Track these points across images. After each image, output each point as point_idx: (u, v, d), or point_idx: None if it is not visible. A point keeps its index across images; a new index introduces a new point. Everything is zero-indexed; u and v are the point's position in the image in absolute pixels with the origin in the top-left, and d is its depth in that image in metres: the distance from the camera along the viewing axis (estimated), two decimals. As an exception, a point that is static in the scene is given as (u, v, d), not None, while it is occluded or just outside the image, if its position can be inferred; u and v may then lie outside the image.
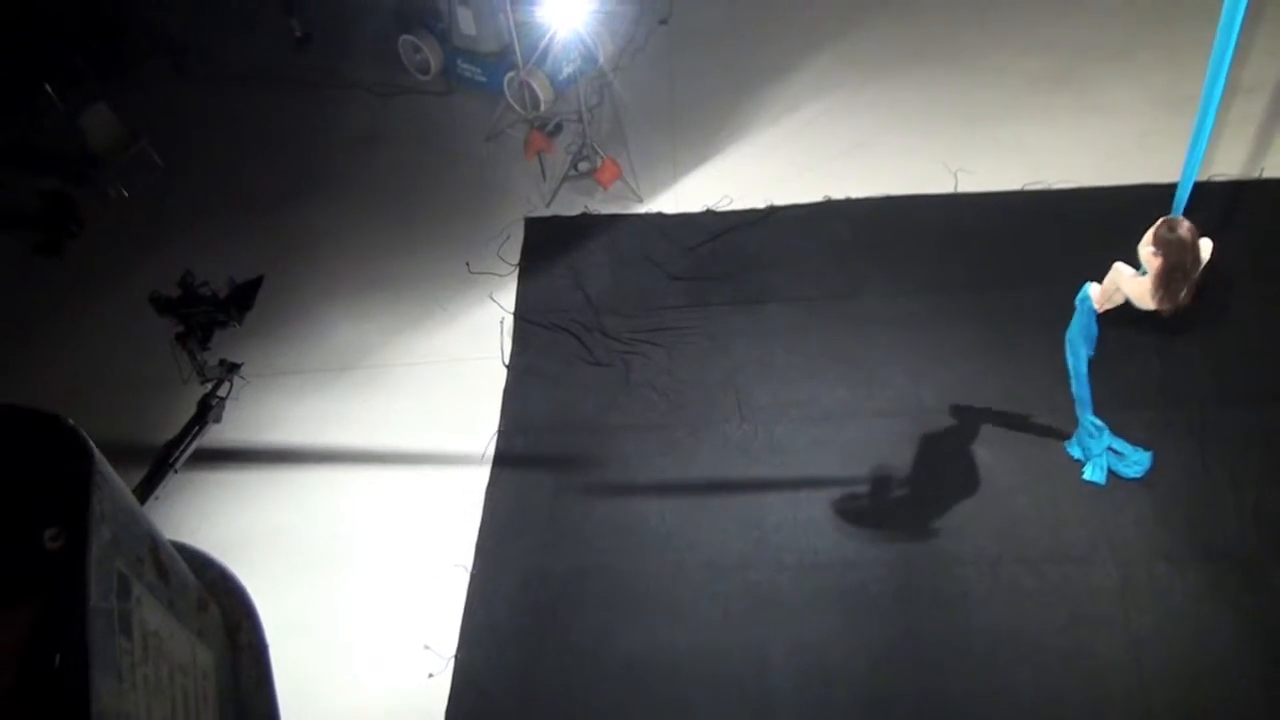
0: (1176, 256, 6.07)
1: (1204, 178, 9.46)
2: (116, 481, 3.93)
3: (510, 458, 8.58)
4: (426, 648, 7.56)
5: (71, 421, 3.74)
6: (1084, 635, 7.02)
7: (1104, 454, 7.73)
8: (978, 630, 7.15)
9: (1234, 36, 5.18)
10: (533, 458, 8.56)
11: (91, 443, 3.76)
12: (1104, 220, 9.27)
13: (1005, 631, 7.12)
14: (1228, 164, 9.57)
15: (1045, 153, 10.07)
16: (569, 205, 10.57)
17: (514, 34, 10.46)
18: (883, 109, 10.93)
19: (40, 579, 3.25)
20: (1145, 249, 6.28)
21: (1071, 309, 8.55)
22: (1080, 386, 7.45)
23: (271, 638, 5.87)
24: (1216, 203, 9.15)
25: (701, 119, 11.22)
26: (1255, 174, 9.50)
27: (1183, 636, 6.93)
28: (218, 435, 8.75)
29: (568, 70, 11.16)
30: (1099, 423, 7.69)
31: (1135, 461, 7.70)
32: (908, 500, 7.88)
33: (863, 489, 7.98)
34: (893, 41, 11.69)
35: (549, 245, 10.21)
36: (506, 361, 9.28)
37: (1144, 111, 10.25)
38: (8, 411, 3.74)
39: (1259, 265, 8.80)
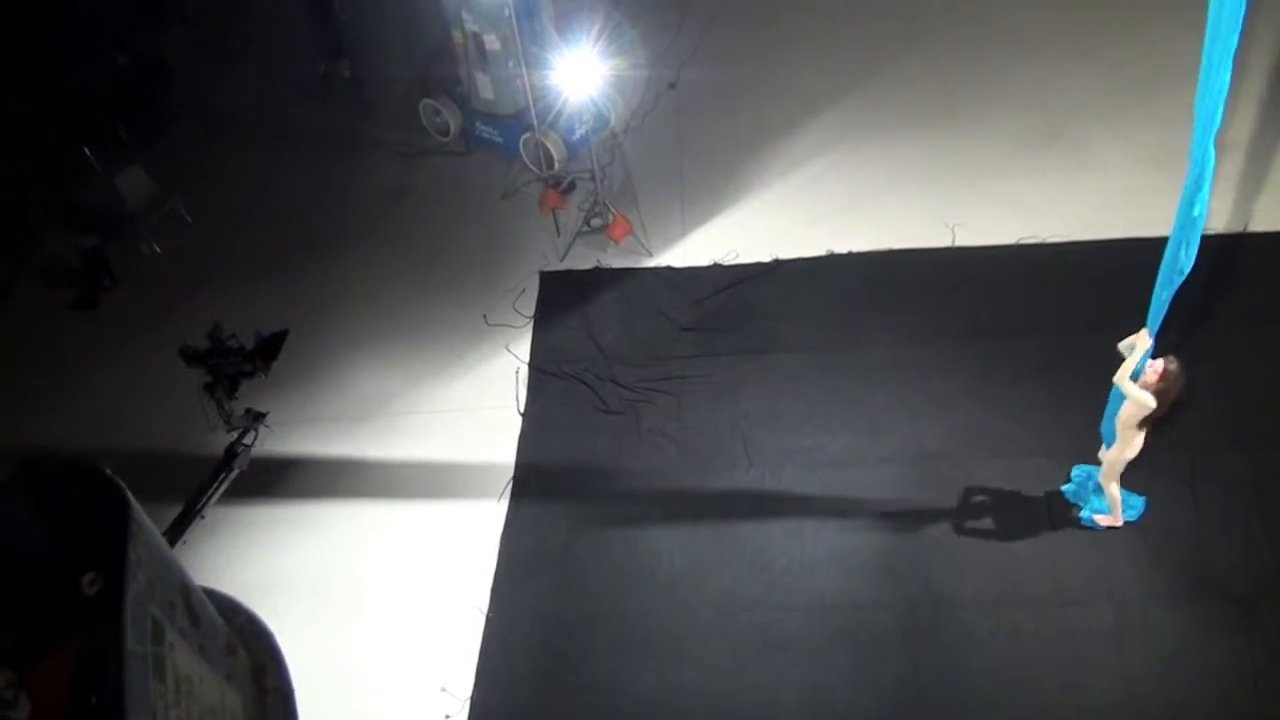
0: (1174, 389, 6.78)
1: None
2: (152, 529, 4.04)
3: (525, 503, 8.80)
4: (443, 690, 7.71)
5: (110, 472, 3.81)
6: (1081, 675, 7.20)
7: (1100, 498, 7.95)
8: (979, 670, 7.33)
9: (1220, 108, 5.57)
10: (547, 503, 8.77)
11: (129, 493, 3.85)
12: (1096, 272, 9.56)
13: (1006, 671, 7.30)
14: (1213, 219, 9.73)
15: (1039, 208, 10.35)
16: (582, 260, 10.86)
17: (530, 98, 10.83)
18: (882, 166, 11.22)
19: (79, 622, 3.41)
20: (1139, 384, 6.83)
21: (1067, 358, 8.85)
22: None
23: (293, 678, 6.04)
24: (1204, 257, 9.35)
25: (708, 177, 11.53)
26: (1240, 228, 9.78)
27: (1176, 675, 7.10)
28: (243, 482, 8.96)
29: (580, 131, 11.50)
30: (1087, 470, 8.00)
31: (1129, 506, 7.90)
32: (911, 543, 8.07)
33: (868, 533, 8.17)
34: (891, 103, 12.01)
35: (563, 298, 10.48)
36: (522, 410, 9.52)
37: (1132, 168, 10.52)
38: (50, 463, 3.85)
39: (1246, 316, 9.06)
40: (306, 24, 13.27)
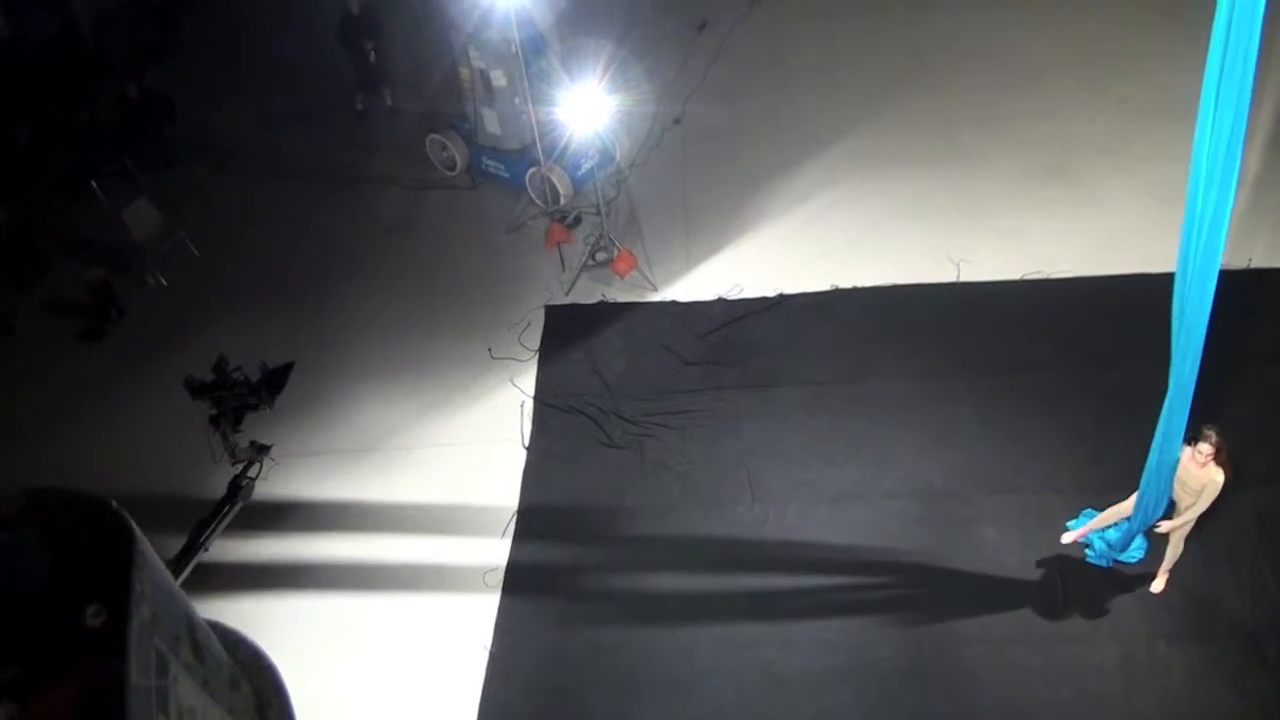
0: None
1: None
2: (156, 561, 4.02)
3: (529, 537, 8.77)
4: (446, 726, 7.66)
5: (115, 504, 3.80)
6: (1087, 713, 7.16)
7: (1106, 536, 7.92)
8: (985, 708, 7.28)
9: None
10: (551, 537, 8.75)
11: (135, 525, 3.84)
12: (1101, 307, 9.58)
13: (1011, 710, 7.25)
14: (1217, 254, 9.85)
15: (1043, 243, 10.39)
16: (587, 294, 10.90)
17: (536, 133, 10.93)
18: (886, 201, 11.28)
19: (81, 656, 3.38)
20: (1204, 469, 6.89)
21: (1074, 393, 8.81)
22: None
23: (295, 712, 5.99)
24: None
25: (713, 212, 11.58)
26: (1244, 264, 9.79)
27: (1183, 714, 7.05)
28: (248, 514, 8.93)
29: (586, 166, 11.57)
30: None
31: (1135, 544, 7.87)
32: (916, 580, 8.05)
33: (872, 568, 8.14)
34: (895, 139, 12.09)
35: (568, 332, 10.50)
36: (526, 444, 9.52)
37: (1136, 203, 10.57)
38: (55, 495, 3.83)
39: (1252, 352, 9.06)
40: (345, 63, 13.40)
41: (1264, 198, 10.47)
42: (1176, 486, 7.10)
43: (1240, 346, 9.05)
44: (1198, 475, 6.92)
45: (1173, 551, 7.50)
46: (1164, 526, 7.32)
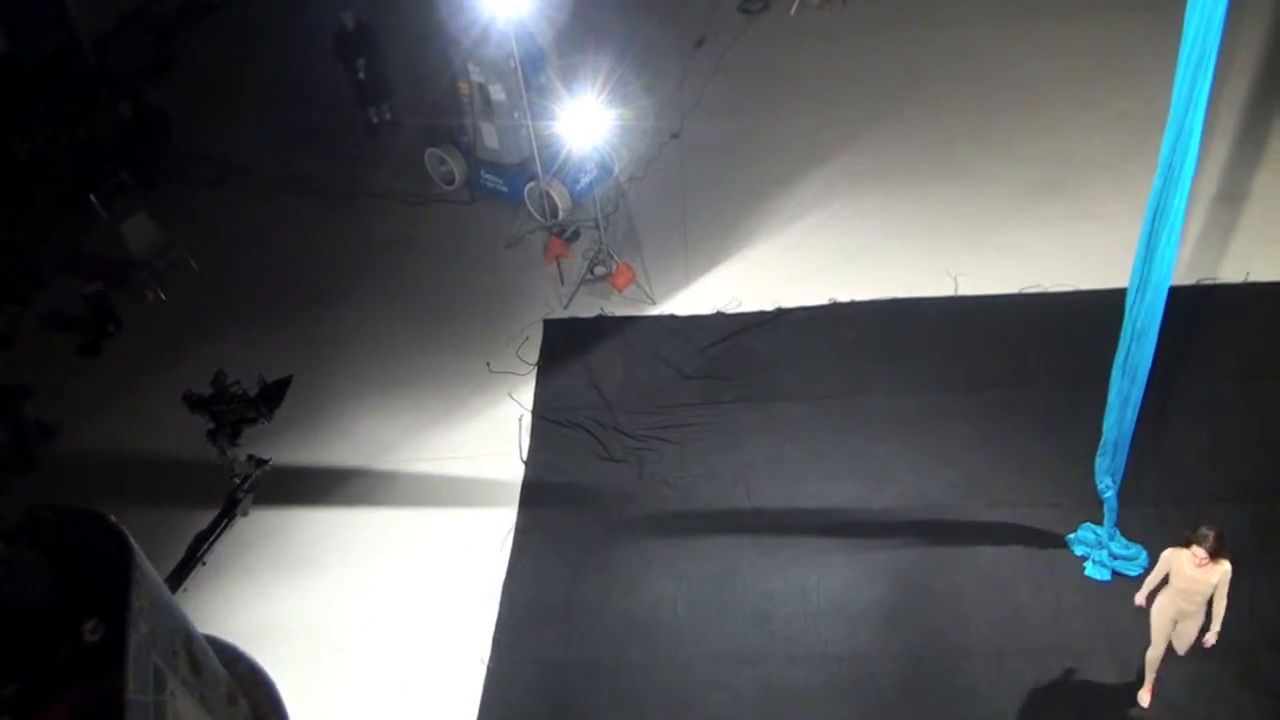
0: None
1: (1192, 281, 9.75)
2: (154, 577, 4.01)
3: (527, 552, 8.75)
4: (443, 740, 7.62)
5: (114, 519, 3.80)
6: (1086, 727, 7.12)
7: (1105, 551, 7.91)
8: (984, 722, 7.25)
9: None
10: (549, 552, 8.73)
11: (132, 541, 3.83)
12: (1098, 322, 9.53)
13: (1010, 723, 7.22)
14: (1213, 268, 9.92)
15: (1041, 258, 10.41)
16: (585, 307, 10.91)
17: (535, 147, 10.96)
18: (885, 217, 11.31)
19: (80, 670, 3.39)
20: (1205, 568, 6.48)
21: (1071, 407, 8.81)
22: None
23: (293, 728, 5.97)
24: (1204, 305, 9.49)
25: (711, 226, 11.61)
26: (1241, 278, 9.82)
27: (1182, 729, 7.02)
28: (245, 528, 8.97)
29: (585, 180, 11.62)
30: (1102, 531, 7.94)
31: (1133, 559, 7.86)
32: (915, 594, 8.02)
33: (871, 583, 8.11)
34: (893, 154, 12.13)
35: (566, 345, 10.51)
36: (524, 458, 9.51)
37: (1133, 219, 10.43)
38: (53, 509, 3.84)
39: (1246, 365, 9.08)
40: (342, 79, 13.47)
41: (1262, 214, 10.51)
42: (1180, 600, 6.67)
43: (1239, 359, 9.09)
44: (1201, 578, 6.51)
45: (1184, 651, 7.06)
46: (1209, 639, 6.76)
